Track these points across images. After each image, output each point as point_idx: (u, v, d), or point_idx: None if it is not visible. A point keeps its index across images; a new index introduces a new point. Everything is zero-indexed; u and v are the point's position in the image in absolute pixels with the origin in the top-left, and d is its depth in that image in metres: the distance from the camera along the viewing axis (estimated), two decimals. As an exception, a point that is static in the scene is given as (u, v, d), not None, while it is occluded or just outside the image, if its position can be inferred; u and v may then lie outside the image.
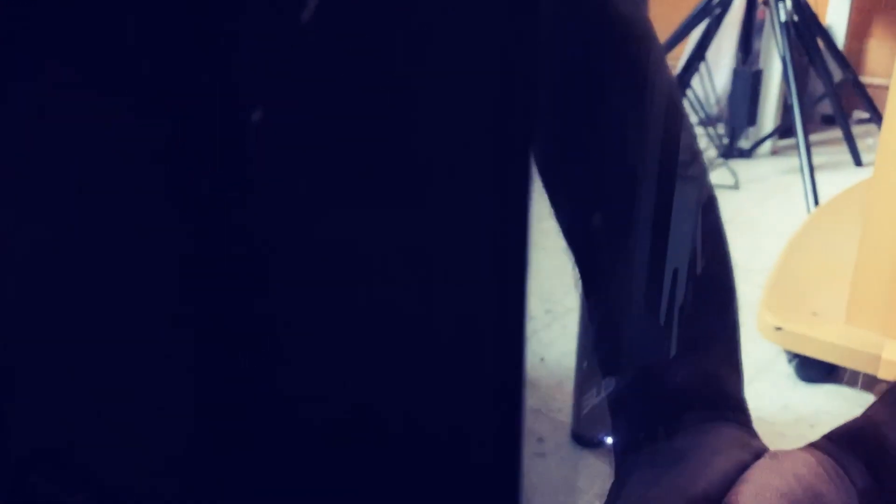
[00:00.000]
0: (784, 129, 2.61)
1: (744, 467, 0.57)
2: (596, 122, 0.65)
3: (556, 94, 0.65)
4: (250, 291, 0.37)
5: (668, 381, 0.61)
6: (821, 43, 2.40)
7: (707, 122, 2.65)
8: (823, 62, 2.37)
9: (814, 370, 1.44)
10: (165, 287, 0.37)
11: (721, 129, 2.67)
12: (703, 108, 2.63)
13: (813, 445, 0.61)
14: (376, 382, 0.39)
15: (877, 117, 2.54)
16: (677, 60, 2.76)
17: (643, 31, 0.66)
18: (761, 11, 2.62)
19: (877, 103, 2.59)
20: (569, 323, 1.63)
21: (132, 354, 0.37)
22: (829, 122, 2.92)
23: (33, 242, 0.36)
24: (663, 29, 2.83)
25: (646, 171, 0.63)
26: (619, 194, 0.63)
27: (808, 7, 2.37)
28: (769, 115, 2.62)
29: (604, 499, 0.58)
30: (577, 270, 0.71)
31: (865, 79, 2.97)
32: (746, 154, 2.63)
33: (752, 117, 2.47)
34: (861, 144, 2.61)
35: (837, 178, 2.40)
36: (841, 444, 0.58)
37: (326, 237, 0.36)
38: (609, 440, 0.98)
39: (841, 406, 1.41)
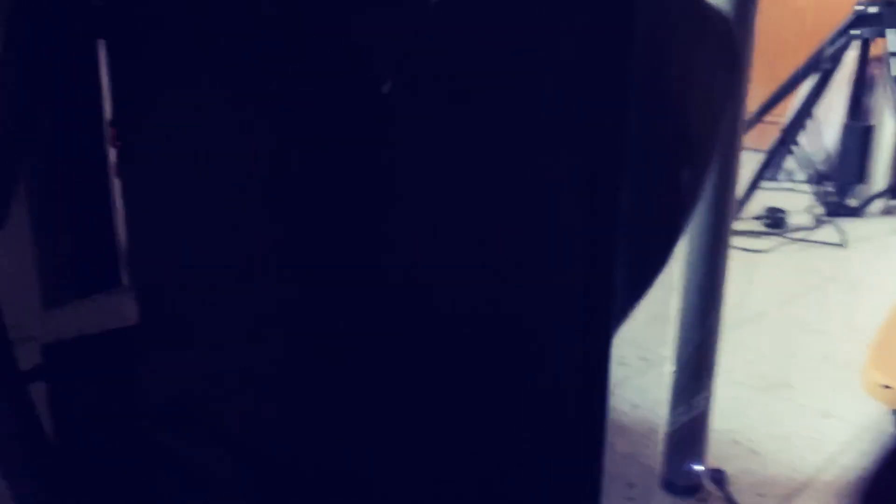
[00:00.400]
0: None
1: None
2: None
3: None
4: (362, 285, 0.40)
5: None
6: (937, 100, 2.32)
7: (815, 179, 2.59)
8: (940, 120, 2.29)
9: (923, 433, 1.37)
10: (282, 271, 0.41)
11: (829, 186, 2.60)
12: (810, 165, 2.57)
13: None
14: (464, 422, 0.41)
15: None
16: (781, 116, 2.72)
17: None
18: (873, 68, 2.56)
19: None
20: (663, 371, 1.62)
21: (251, 324, 0.41)
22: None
23: (181, 228, 0.41)
24: (765, 85, 2.80)
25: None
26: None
27: (923, 64, 2.30)
28: (880, 173, 2.54)
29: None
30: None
31: None
32: (855, 213, 2.55)
33: (862, 174, 2.40)
34: (981, 206, 2.49)
35: (954, 239, 2.30)
36: None
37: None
38: (697, 467, 0.97)
39: (952, 472, 1.33)
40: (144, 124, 0.43)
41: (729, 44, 0.65)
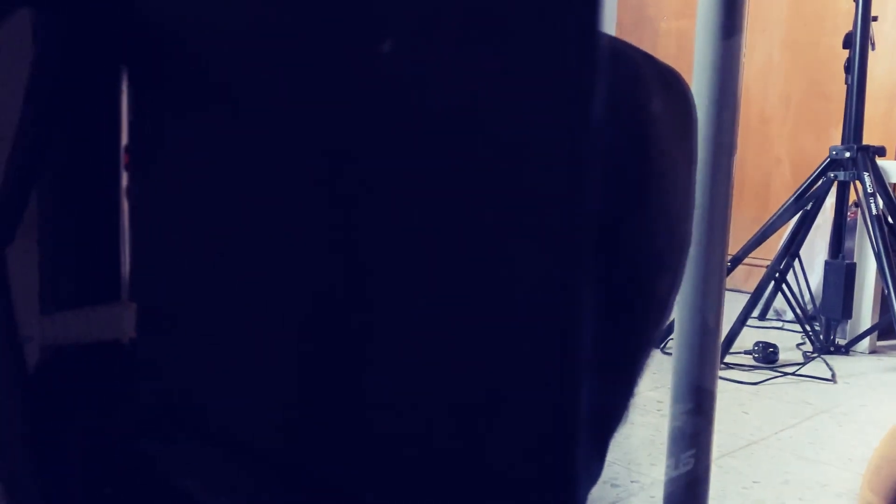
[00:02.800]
0: (883, 328, 2.55)
1: None
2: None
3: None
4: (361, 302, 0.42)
5: None
6: (916, 241, 2.40)
7: (803, 317, 2.62)
8: (920, 260, 2.36)
9: (923, 559, 1.33)
10: (297, 290, 0.43)
11: (817, 325, 2.63)
12: (798, 304, 2.62)
13: None
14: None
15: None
16: (768, 258, 2.80)
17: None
18: (853, 213, 2.66)
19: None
20: (655, 493, 1.58)
21: (256, 337, 0.43)
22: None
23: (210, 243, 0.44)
24: (749, 227, 2.89)
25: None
26: None
27: (900, 206, 2.40)
28: (866, 312, 2.58)
29: None
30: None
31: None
32: (843, 351, 2.57)
33: (847, 310, 2.44)
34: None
35: (943, 376, 2.31)
36: None
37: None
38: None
39: None
40: (156, 152, 0.47)
41: (686, 109, 0.69)
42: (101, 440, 0.45)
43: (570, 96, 0.37)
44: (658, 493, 1.64)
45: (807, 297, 2.68)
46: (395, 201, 0.40)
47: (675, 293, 0.63)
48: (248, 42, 0.43)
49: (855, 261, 2.54)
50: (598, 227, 0.38)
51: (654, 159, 0.61)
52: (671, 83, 0.65)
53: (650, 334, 0.58)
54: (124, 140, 0.46)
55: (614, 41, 0.66)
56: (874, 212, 2.33)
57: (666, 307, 0.60)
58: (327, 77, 0.41)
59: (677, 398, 0.88)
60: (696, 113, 0.68)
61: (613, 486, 1.61)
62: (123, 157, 0.46)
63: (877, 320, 2.59)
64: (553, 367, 0.38)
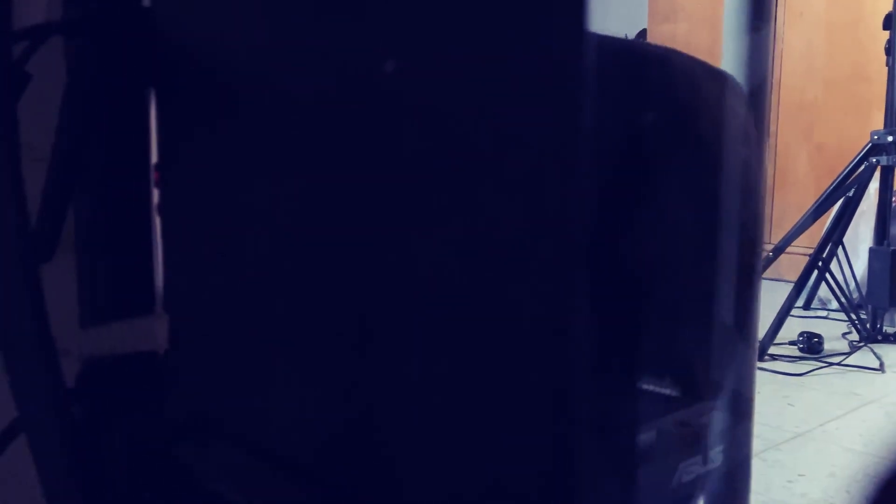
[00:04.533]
0: (933, 315, 2.50)
1: None
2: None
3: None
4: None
5: None
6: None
7: (848, 306, 2.57)
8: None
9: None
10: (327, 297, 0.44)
11: (863, 313, 2.58)
12: (843, 293, 2.57)
13: None
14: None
15: None
16: (811, 246, 2.75)
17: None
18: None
19: None
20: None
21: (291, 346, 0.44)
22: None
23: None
24: (792, 216, 2.85)
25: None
26: None
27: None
28: (915, 299, 2.52)
29: None
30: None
31: None
32: (891, 339, 2.51)
33: (894, 298, 2.39)
34: None
35: None
36: None
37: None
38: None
39: None
40: (184, 170, 0.48)
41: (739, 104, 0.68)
42: (139, 447, 0.47)
43: (554, 101, 0.37)
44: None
45: (852, 285, 2.63)
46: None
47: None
48: (263, 53, 0.44)
49: (901, 247, 2.48)
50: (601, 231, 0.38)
51: (719, 152, 0.61)
52: (724, 82, 0.65)
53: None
54: (154, 158, 0.48)
55: (664, 48, 0.66)
56: (919, 197, 2.27)
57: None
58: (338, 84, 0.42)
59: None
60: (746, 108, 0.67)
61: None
62: (154, 175, 0.48)
63: (926, 307, 2.53)
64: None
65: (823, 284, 2.60)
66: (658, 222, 0.43)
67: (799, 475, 1.57)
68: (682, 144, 0.52)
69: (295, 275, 0.43)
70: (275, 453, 0.43)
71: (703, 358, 0.50)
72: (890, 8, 2.45)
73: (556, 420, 0.38)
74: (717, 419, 0.58)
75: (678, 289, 0.46)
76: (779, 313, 2.40)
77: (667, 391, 0.56)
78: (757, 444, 1.68)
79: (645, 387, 0.54)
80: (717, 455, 0.58)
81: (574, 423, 0.38)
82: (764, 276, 2.48)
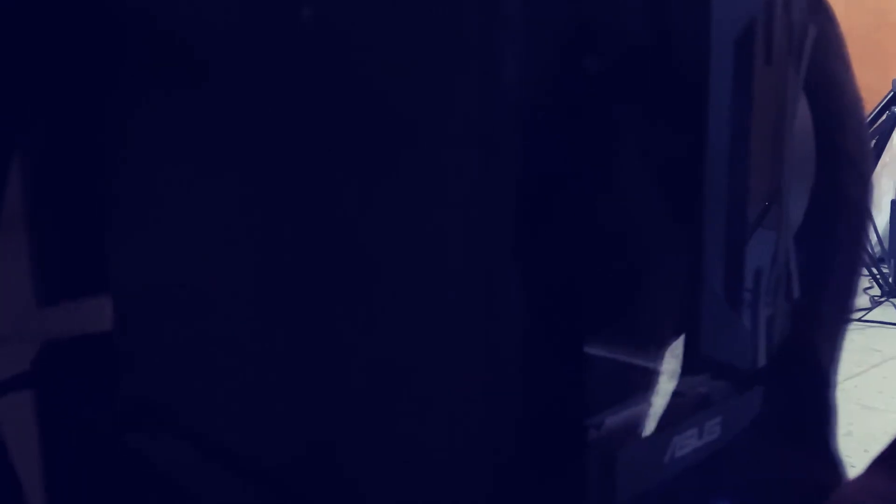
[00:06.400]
0: (957, 268, 2.44)
1: None
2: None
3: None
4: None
5: None
6: None
7: (870, 262, 2.52)
8: None
9: None
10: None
11: (885, 268, 2.53)
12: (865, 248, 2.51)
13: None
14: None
15: None
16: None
17: None
18: (921, 147, 2.53)
19: None
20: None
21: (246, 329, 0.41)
22: None
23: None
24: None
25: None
26: None
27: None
28: (938, 252, 2.46)
29: None
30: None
31: None
32: (915, 293, 2.47)
33: (916, 251, 2.33)
34: None
35: None
36: None
37: None
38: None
39: None
40: (132, 129, 0.45)
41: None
42: (93, 433, 0.45)
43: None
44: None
45: (873, 238, 2.57)
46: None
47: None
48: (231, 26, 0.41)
49: (923, 199, 2.42)
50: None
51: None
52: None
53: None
54: (106, 128, 0.45)
55: None
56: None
57: None
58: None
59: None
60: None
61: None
62: (104, 145, 0.45)
63: (949, 260, 2.48)
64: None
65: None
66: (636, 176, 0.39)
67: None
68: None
69: (242, 257, 0.41)
70: (225, 445, 0.41)
71: (696, 324, 0.47)
72: (913, -50, 2.35)
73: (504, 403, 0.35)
74: (714, 389, 0.55)
75: (664, 250, 0.43)
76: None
77: (659, 362, 0.53)
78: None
79: (636, 359, 0.51)
80: (714, 427, 0.55)
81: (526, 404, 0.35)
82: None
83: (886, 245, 2.60)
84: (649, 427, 0.50)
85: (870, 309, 2.34)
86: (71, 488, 0.46)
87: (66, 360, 0.47)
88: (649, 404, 0.49)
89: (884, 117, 2.41)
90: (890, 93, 2.40)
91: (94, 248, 0.48)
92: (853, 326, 2.21)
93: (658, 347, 0.51)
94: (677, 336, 0.52)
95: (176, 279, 0.43)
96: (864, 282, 2.58)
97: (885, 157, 2.54)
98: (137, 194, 0.45)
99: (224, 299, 0.41)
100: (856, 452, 1.50)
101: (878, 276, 2.47)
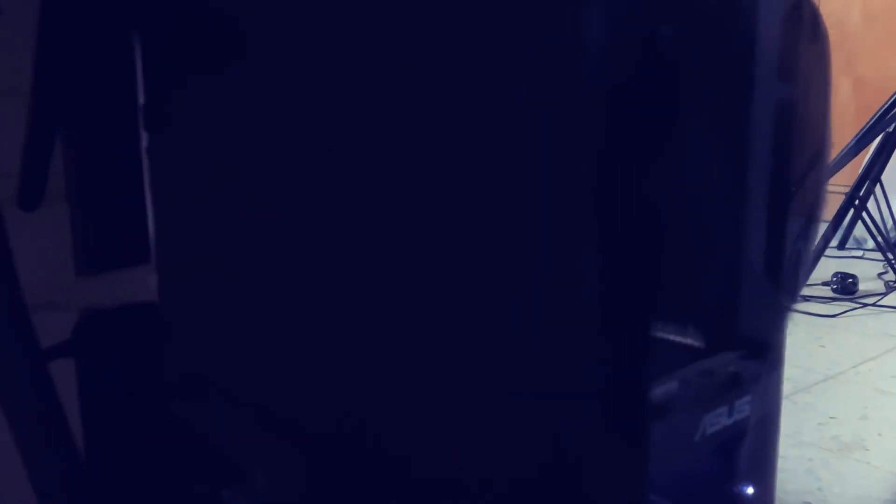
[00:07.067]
0: (974, 253, 2.42)
1: None
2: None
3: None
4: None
5: None
6: None
7: (885, 247, 2.51)
8: None
9: None
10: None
11: (901, 252, 2.51)
12: (880, 232, 2.50)
13: None
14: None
15: None
16: (847, 184, 2.67)
17: None
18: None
19: None
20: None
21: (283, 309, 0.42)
22: None
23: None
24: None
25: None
26: None
27: None
28: (954, 237, 2.45)
29: None
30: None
31: None
32: (929, 278, 2.45)
33: (933, 237, 2.32)
34: None
35: None
36: None
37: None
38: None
39: None
40: (170, 112, 0.46)
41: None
42: (137, 401, 0.45)
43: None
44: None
45: (889, 223, 2.56)
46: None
47: None
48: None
49: (942, 184, 2.40)
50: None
51: None
52: None
53: None
54: (141, 101, 0.45)
55: None
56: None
57: None
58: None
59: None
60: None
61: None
62: (142, 118, 0.45)
63: (966, 246, 2.46)
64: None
65: (859, 223, 2.53)
66: (677, 161, 0.39)
67: (830, 417, 1.55)
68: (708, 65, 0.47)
69: (286, 230, 0.41)
70: (270, 412, 0.42)
71: (729, 305, 0.47)
72: (938, -69, 2.31)
73: (565, 384, 0.35)
74: (745, 368, 0.56)
75: (701, 232, 0.43)
76: (813, 253, 2.34)
77: (689, 340, 0.53)
78: (787, 387, 1.65)
79: (667, 336, 0.51)
80: (744, 406, 0.55)
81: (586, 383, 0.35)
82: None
83: (902, 230, 2.59)
84: (682, 404, 0.50)
85: (885, 294, 2.33)
86: (112, 451, 0.47)
87: (107, 329, 0.48)
88: (682, 382, 0.50)
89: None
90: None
91: (134, 222, 0.49)
92: (868, 312, 2.21)
93: (694, 325, 0.51)
94: (713, 313, 0.53)
95: (224, 251, 0.43)
96: (879, 266, 2.57)
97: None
98: (185, 170, 0.45)
99: (278, 271, 0.41)
100: (870, 436, 1.50)
101: (893, 262, 2.46)
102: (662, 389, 0.52)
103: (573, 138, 0.33)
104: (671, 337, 0.51)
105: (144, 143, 0.46)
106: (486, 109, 0.34)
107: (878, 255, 2.56)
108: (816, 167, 0.56)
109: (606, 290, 0.34)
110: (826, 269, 2.43)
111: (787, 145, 0.47)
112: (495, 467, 0.37)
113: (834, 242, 2.65)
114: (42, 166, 0.43)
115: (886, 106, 2.42)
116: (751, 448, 0.60)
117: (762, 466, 0.56)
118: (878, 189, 2.46)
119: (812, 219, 0.58)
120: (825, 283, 2.39)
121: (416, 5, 0.35)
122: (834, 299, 2.30)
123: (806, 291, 2.30)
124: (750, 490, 0.63)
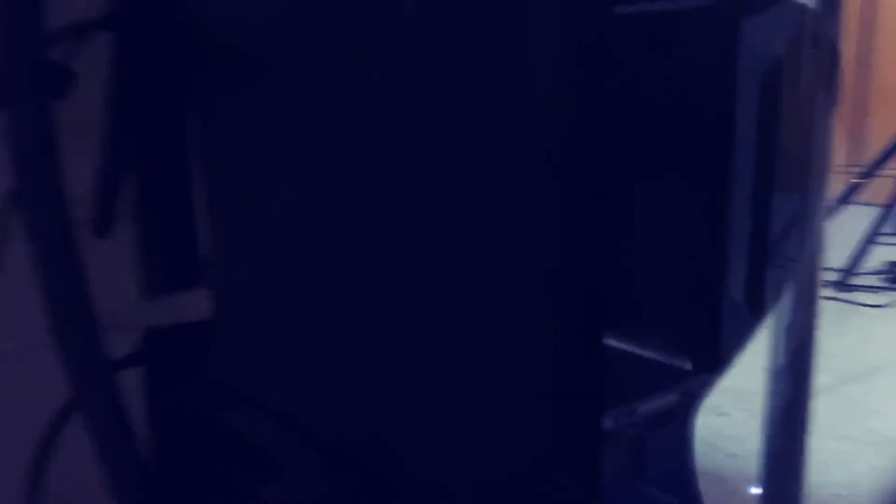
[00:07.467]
0: None
1: None
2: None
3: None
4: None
5: None
6: None
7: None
8: None
9: None
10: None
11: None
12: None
13: None
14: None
15: None
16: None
17: None
18: None
19: None
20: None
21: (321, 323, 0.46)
22: None
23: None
24: (881, 137, 2.70)
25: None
26: None
27: None
28: None
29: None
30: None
31: None
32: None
33: None
34: None
35: None
36: None
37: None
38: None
39: None
40: (234, 136, 0.51)
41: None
42: (191, 411, 0.51)
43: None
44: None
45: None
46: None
47: None
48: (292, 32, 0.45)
49: None
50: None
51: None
52: None
53: None
54: (207, 136, 0.51)
55: None
56: None
57: None
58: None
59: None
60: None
61: (721, 414, 1.59)
62: (204, 152, 0.51)
63: None
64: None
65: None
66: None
67: (869, 411, 1.54)
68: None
69: (330, 256, 0.46)
70: (305, 422, 0.47)
71: (716, 329, 0.49)
72: None
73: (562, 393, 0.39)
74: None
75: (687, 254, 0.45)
76: (862, 240, 2.30)
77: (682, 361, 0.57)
78: (828, 379, 1.65)
79: (661, 357, 0.54)
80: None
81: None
82: (851, 200, 2.36)
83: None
84: (673, 415, 0.54)
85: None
86: (171, 456, 0.53)
87: (165, 346, 0.54)
88: (673, 396, 0.53)
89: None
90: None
91: (189, 247, 0.54)
92: (889, 311, 2.15)
93: (682, 347, 0.54)
94: (699, 335, 0.56)
95: (270, 276, 0.48)
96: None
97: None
98: (238, 198, 0.50)
99: (315, 295, 0.46)
100: (896, 432, 1.48)
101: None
102: (658, 402, 0.55)
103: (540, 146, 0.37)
104: (662, 359, 0.54)
105: (205, 174, 0.51)
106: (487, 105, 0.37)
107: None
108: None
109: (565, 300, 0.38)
110: (877, 257, 2.38)
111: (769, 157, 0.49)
112: (478, 467, 0.41)
113: (886, 229, 2.60)
114: (112, 195, 0.49)
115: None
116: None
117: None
118: (933, 175, 2.40)
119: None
120: (874, 273, 2.34)
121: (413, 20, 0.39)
122: (883, 288, 2.26)
123: (854, 280, 2.27)
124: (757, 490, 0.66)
